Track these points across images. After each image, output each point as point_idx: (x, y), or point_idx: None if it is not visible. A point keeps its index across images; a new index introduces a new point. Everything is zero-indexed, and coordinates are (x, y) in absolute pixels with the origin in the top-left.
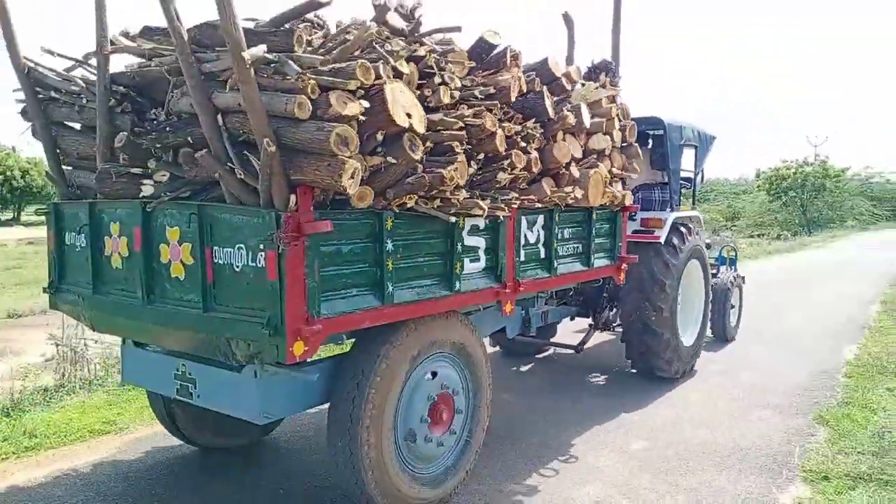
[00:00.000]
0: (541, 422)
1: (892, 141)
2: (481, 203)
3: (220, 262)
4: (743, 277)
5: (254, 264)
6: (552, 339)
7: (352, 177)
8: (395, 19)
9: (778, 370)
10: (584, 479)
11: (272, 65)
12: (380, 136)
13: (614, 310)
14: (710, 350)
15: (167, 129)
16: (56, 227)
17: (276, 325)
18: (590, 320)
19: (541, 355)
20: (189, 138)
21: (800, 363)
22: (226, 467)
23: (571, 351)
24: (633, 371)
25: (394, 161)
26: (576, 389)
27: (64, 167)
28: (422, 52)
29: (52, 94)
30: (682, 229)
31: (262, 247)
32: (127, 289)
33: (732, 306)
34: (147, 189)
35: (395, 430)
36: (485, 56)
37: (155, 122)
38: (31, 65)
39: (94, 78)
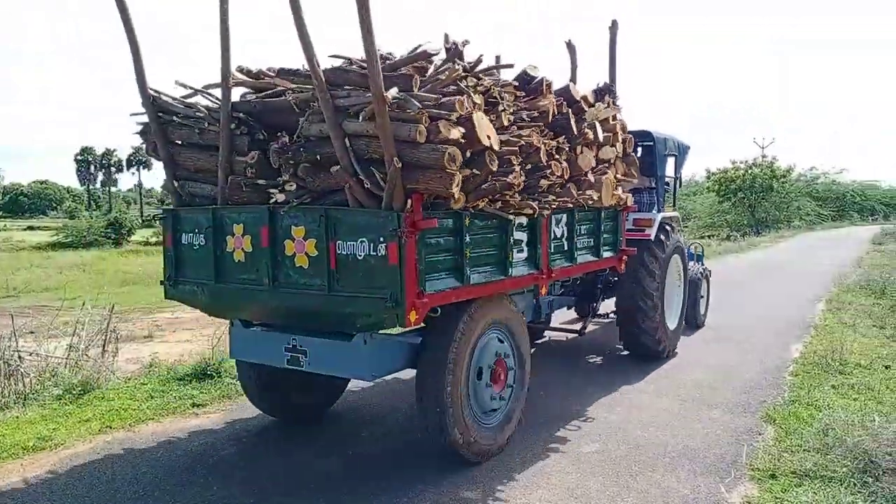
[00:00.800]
0: None
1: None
2: (532, 204)
3: (343, 252)
4: (710, 271)
5: (375, 253)
6: (554, 325)
7: (457, 185)
8: (461, 59)
9: (726, 369)
10: (535, 483)
11: (397, 101)
12: (467, 154)
13: (604, 300)
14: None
15: (301, 149)
16: (173, 229)
17: (396, 299)
18: (574, 310)
19: (539, 341)
20: (318, 156)
21: (748, 362)
22: (276, 442)
23: (564, 336)
24: (625, 353)
25: (477, 172)
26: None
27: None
28: (486, 84)
29: (174, 118)
30: (667, 228)
31: (382, 239)
32: (250, 278)
33: (702, 296)
34: (279, 196)
35: (468, 388)
36: (527, 85)
37: (283, 143)
38: (155, 94)
39: (208, 104)
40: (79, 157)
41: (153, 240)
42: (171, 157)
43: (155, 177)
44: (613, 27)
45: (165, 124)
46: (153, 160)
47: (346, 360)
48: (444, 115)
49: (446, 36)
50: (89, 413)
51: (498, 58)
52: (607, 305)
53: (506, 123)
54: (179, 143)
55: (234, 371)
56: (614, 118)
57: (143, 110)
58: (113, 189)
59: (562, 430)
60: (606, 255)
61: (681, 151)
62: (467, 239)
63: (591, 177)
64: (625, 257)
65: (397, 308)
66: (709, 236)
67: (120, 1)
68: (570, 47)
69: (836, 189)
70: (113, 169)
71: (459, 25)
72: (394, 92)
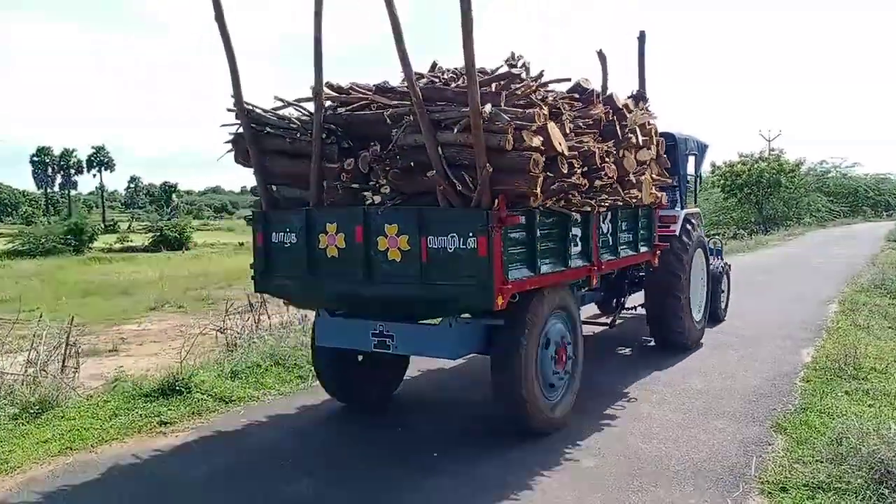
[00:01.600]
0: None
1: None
2: (590, 202)
3: (434, 246)
4: (729, 265)
5: (465, 246)
6: (585, 320)
7: (539, 187)
8: (524, 75)
9: (733, 376)
10: (531, 501)
11: (490, 115)
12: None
13: (631, 294)
14: (658, 356)
15: (396, 156)
16: (263, 229)
17: (485, 286)
18: (596, 306)
19: None
20: (412, 163)
21: (756, 368)
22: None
23: (591, 331)
24: (653, 344)
25: (550, 175)
26: None
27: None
28: (552, 96)
29: (266, 128)
30: (689, 224)
31: (472, 234)
32: (344, 271)
33: (722, 290)
34: (376, 198)
35: (537, 366)
36: (580, 95)
37: (374, 152)
38: (250, 107)
39: (298, 115)
40: (35, 159)
41: (117, 246)
42: (261, 165)
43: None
44: (641, 38)
45: (257, 134)
46: (240, 164)
47: (432, 342)
48: (525, 125)
49: (512, 53)
50: (48, 433)
51: (541, 72)
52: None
53: (567, 131)
54: (270, 151)
55: (205, 386)
56: (649, 123)
57: (235, 121)
58: (72, 192)
59: (559, 444)
60: (643, 249)
61: (700, 150)
62: (538, 234)
63: (633, 177)
64: (658, 252)
65: (487, 294)
66: (715, 234)
67: (220, 18)
68: (601, 56)
69: (848, 183)
70: (72, 171)
71: (455, 22)
72: (488, 108)
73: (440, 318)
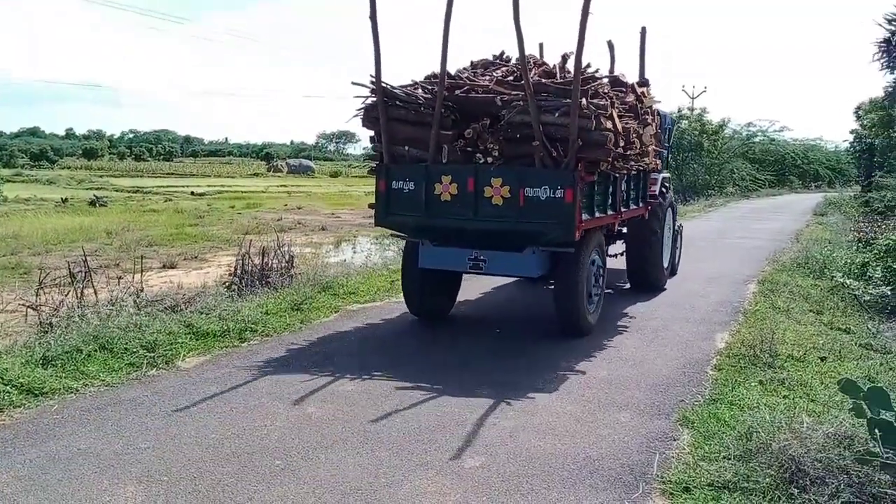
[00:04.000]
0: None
1: None
2: (627, 167)
3: (530, 195)
4: (682, 226)
5: (554, 196)
6: None
7: (612, 156)
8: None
9: (641, 363)
10: None
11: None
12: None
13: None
14: (559, 341)
15: (508, 129)
16: (386, 178)
17: (569, 223)
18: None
19: None
20: (518, 135)
21: (666, 355)
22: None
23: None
24: (627, 287)
25: (612, 147)
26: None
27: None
28: (605, 88)
29: (396, 102)
30: (664, 187)
31: (560, 187)
32: (455, 213)
33: (678, 247)
34: (488, 158)
35: (587, 283)
36: (618, 85)
37: (483, 125)
38: (386, 85)
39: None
40: None
41: None
42: (388, 129)
43: None
44: (643, 33)
45: (387, 105)
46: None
47: (518, 265)
48: (601, 112)
49: (565, 56)
50: None
51: (586, 65)
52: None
53: (616, 115)
54: (395, 119)
55: (8, 375)
56: (652, 105)
57: (368, 93)
58: None
59: (441, 441)
60: (641, 204)
61: (671, 124)
62: (596, 188)
63: (647, 148)
64: (649, 206)
65: (570, 229)
66: None
67: (373, 17)
68: (610, 46)
69: (776, 150)
70: None
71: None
72: (584, 101)
73: (525, 248)
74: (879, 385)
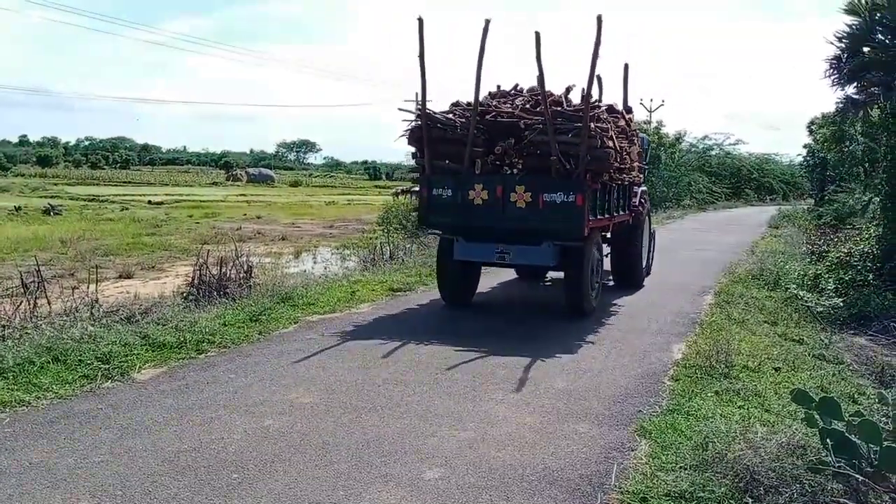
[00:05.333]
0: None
1: None
2: (619, 178)
3: (547, 200)
4: (655, 230)
5: (568, 200)
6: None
7: (610, 169)
8: (574, 97)
9: (599, 374)
10: None
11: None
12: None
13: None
14: (520, 352)
15: (531, 146)
16: (428, 186)
17: (580, 223)
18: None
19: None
20: (538, 151)
21: (624, 365)
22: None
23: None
24: (612, 283)
25: (612, 162)
26: (356, 411)
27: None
28: (604, 113)
29: (437, 125)
30: (643, 198)
31: (573, 193)
32: (485, 214)
33: (651, 251)
34: (513, 170)
35: (591, 275)
36: (613, 110)
37: (510, 144)
38: (429, 110)
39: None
40: None
41: None
42: (430, 146)
43: None
44: (626, 69)
45: (430, 127)
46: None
47: (536, 256)
48: (604, 134)
49: (569, 87)
50: None
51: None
52: None
53: (614, 136)
54: (436, 138)
55: None
56: (636, 128)
57: (413, 117)
58: None
59: (400, 453)
60: (626, 212)
61: (648, 144)
62: (598, 196)
63: (633, 164)
64: (633, 214)
65: (580, 227)
66: None
67: (422, 56)
68: (599, 79)
69: (731, 163)
70: None
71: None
72: (593, 125)
73: (542, 242)
74: (831, 395)
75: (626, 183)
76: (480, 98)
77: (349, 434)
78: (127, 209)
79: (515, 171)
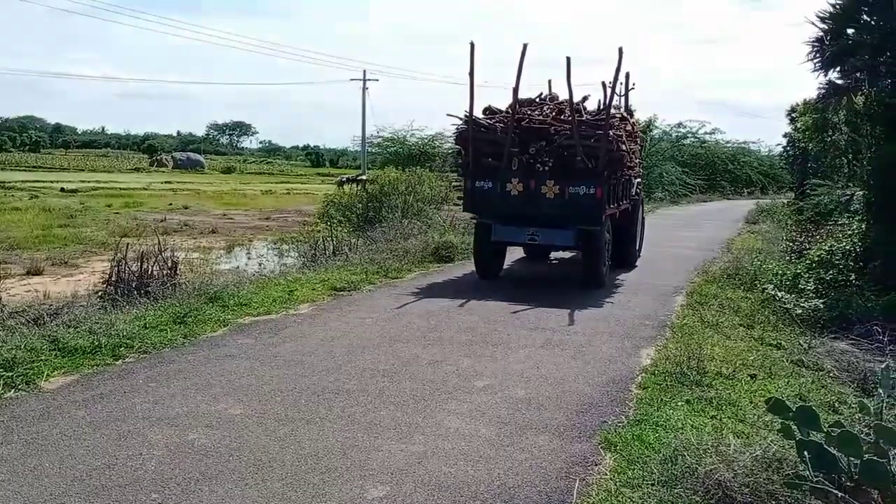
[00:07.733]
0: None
1: None
2: (627, 173)
3: (572, 191)
4: (644, 217)
5: (589, 192)
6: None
7: (624, 167)
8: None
9: (561, 382)
10: None
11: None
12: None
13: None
14: (477, 355)
15: (558, 148)
16: (471, 181)
17: (599, 210)
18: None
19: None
20: (565, 153)
21: (588, 372)
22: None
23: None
24: (609, 264)
25: (625, 162)
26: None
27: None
28: (617, 118)
29: (481, 129)
30: (639, 188)
31: (594, 186)
32: (520, 203)
33: (641, 236)
34: (544, 167)
35: (606, 252)
36: (623, 118)
37: (541, 146)
38: (475, 117)
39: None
40: None
41: None
42: (475, 148)
43: None
44: (627, 76)
45: (475, 131)
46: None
47: (561, 238)
48: (619, 138)
49: (585, 97)
50: None
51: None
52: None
53: (626, 140)
54: (479, 140)
55: None
56: (638, 130)
57: (461, 122)
58: None
59: (341, 468)
60: (627, 202)
61: (643, 141)
62: (611, 189)
63: (636, 161)
64: (631, 203)
65: (599, 215)
66: None
67: (472, 74)
68: (604, 85)
69: (705, 154)
70: None
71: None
72: (612, 132)
73: (567, 227)
74: (809, 404)
75: (628, 177)
76: (509, 104)
77: (284, 449)
78: (36, 197)
79: (546, 168)
